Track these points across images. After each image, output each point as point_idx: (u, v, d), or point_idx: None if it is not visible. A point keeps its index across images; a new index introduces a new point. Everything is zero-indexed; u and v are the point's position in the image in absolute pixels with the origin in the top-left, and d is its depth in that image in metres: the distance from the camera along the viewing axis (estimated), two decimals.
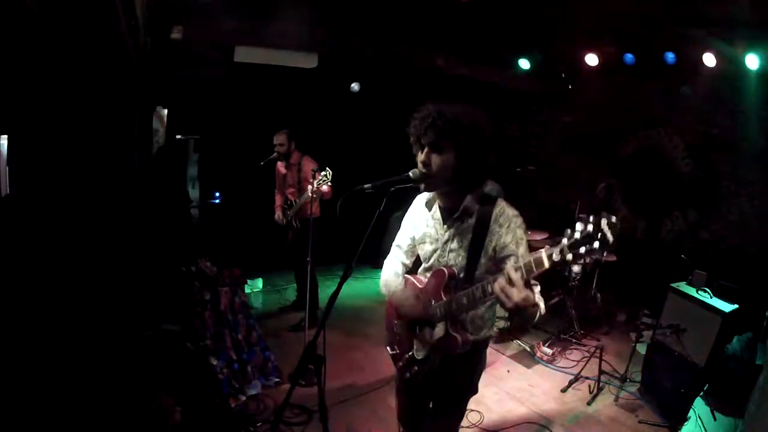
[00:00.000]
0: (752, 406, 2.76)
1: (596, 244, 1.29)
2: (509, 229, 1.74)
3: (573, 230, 1.34)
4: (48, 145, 2.55)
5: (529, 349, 4.40)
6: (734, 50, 4.41)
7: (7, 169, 2.52)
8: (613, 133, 6.36)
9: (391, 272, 2.08)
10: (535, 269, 1.44)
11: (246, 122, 5.83)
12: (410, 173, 1.75)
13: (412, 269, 2.11)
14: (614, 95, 6.15)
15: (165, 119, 5.00)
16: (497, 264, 1.75)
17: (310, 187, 3.84)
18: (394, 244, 2.11)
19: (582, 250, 1.31)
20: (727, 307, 3.41)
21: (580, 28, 5.01)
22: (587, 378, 3.83)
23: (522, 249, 1.73)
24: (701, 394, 3.27)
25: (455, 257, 1.82)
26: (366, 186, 1.71)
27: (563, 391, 3.74)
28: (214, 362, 3.24)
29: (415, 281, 1.97)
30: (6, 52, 2.21)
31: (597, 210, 1.41)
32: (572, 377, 3.86)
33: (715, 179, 5.39)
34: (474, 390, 2.04)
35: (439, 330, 1.80)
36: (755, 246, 4.99)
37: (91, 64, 2.72)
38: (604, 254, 1.18)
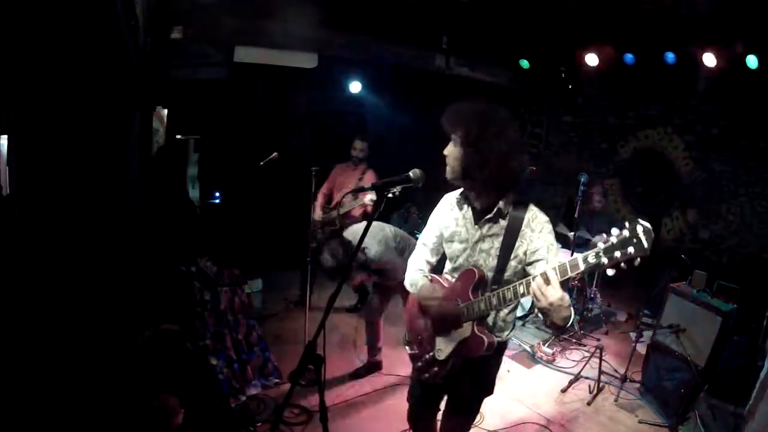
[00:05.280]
0: (752, 406, 2.76)
1: (631, 249, 1.32)
2: (541, 233, 1.76)
3: (609, 235, 1.38)
4: (48, 145, 2.55)
5: (529, 349, 4.40)
6: (734, 50, 4.41)
7: (7, 169, 2.52)
8: (613, 133, 6.36)
9: (416, 269, 2.06)
10: (570, 271, 1.49)
11: (246, 122, 5.82)
12: (410, 173, 1.76)
13: (436, 269, 2.10)
14: (614, 95, 6.16)
15: (165, 119, 5.00)
16: (525, 268, 1.78)
17: (369, 195, 4.11)
18: (419, 242, 2.10)
19: (617, 254, 1.35)
20: (727, 307, 3.41)
21: (580, 28, 5.01)
22: (587, 378, 3.83)
23: (552, 254, 1.75)
24: (701, 394, 3.27)
25: (485, 258, 1.83)
26: (366, 186, 1.73)
27: (563, 391, 3.73)
28: (214, 362, 3.24)
29: (442, 281, 1.96)
30: (6, 52, 2.21)
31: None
32: (572, 377, 3.86)
33: (715, 179, 5.39)
34: (490, 391, 2.04)
35: (465, 330, 1.80)
36: (755, 246, 4.99)
37: (92, 64, 2.72)
38: (638, 260, 1.25)
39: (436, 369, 1.91)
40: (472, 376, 1.92)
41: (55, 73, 2.51)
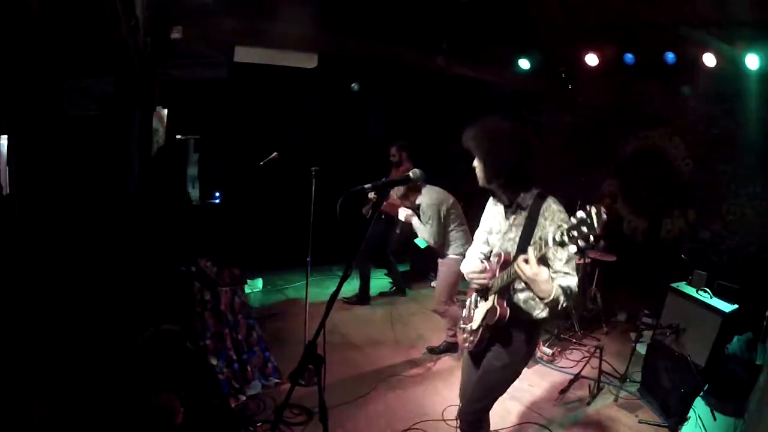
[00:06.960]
0: (752, 406, 2.77)
1: (584, 229, 1.57)
2: (552, 221, 1.99)
3: (574, 217, 1.63)
4: (48, 145, 2.55)
5: None
6: (734, 50, 4.40)
7: (7, 169, 2.52)
8: (613, 133, 6.35)
9: (472, 257, 2.36)
10: (543, 247, 1.75)
11: (246, 122, 5.83)
12: (410, 173, 1.79)
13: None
14: (614, 95, 6.15)
15: (165, 119, 5.00)
16: None
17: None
18: (475, 235, 2.42)
19: (575, 233, 1.59)
20: (727, 307, 3.41)
21: (580, 28, 5.01)
22: (587, 378, 3.83)
23: None
24: (701, 394, 3.28)
25: (512, 245, 2.09)
26: (366, 186, 1.73)
27: (563, 391, 3.73)
28: (214, 362, 3.24)
29: (488, 264, 2.23)
30: (7, 52, 2.21)
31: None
32: (572, 377, 3.86)
33: (715, 179, 5.38)
34: (513, 375, 2.24)
35: (489, 302, 2.09)
36: (755, 246, 4.99)
37: (92, 64, 2.72)
38: (590, 239, 1.50)
39: (472, 338, 2.23)
40: (501, 346, 2.16)
41: (55, 73, 2.51)
